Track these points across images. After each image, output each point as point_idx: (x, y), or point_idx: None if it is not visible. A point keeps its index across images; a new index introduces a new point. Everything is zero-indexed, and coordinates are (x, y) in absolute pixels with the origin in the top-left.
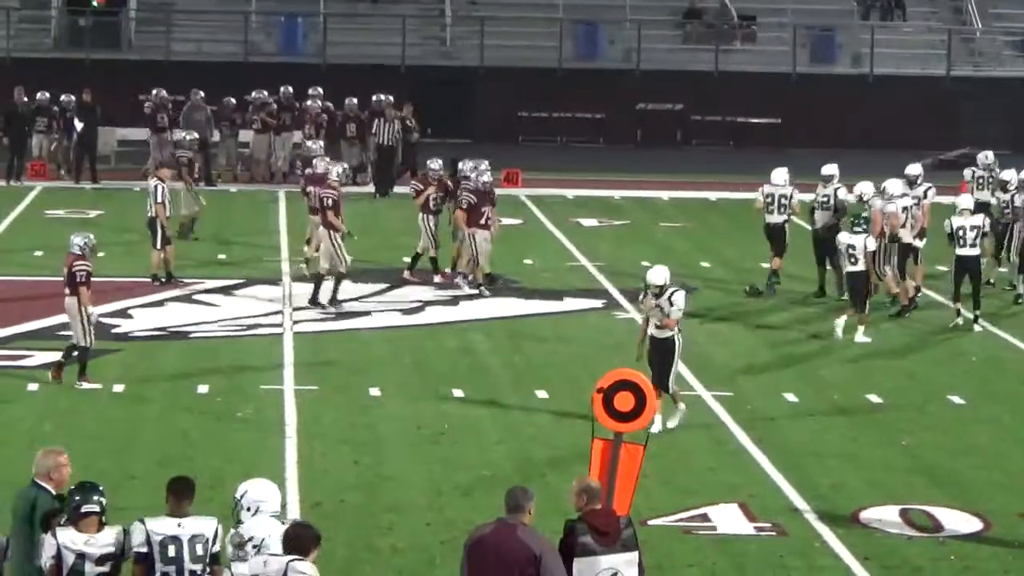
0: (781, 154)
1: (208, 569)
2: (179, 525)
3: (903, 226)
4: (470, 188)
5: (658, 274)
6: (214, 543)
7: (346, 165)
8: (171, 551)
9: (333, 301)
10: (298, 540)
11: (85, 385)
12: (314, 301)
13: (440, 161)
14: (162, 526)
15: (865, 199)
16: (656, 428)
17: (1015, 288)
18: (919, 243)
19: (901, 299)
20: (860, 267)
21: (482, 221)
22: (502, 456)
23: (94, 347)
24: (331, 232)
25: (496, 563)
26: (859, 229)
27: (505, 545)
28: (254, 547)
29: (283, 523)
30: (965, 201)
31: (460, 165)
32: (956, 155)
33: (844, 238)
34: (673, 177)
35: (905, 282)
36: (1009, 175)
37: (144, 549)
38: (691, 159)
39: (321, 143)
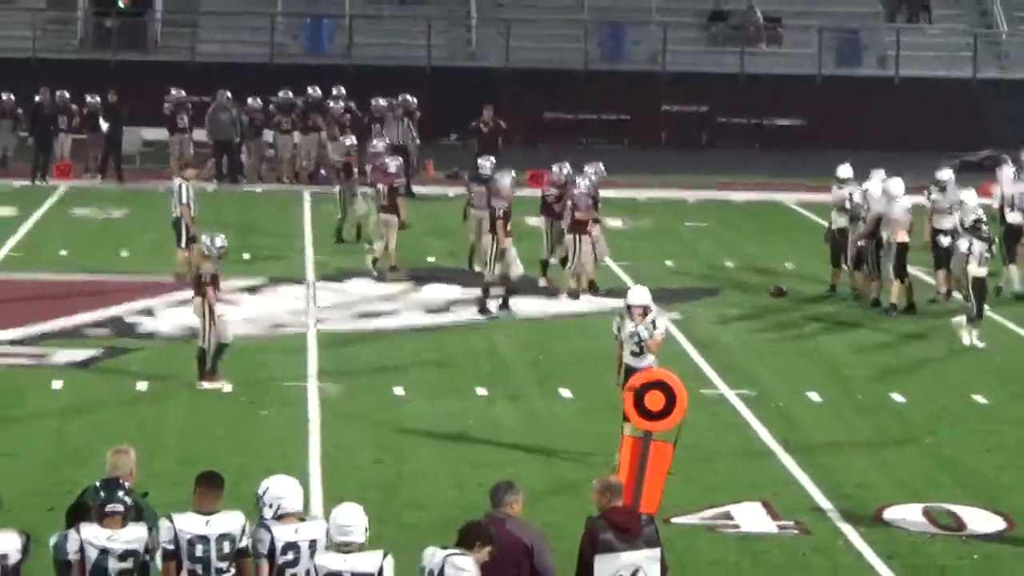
0: (806, 156)
1: (235, 564)
2: (207, 523)
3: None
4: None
5: (640, 295)
6: (241, 539)
7: (513, 173)
8: (199, 550)
9: (503, 306)
10: (466, 534)
11: (206, 385)
12: (483, 310)
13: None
14: (190, 524)
15: (873, 197)
16: None
17: None
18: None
19: (893, 299)
20: (984, 271)
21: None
22: (525, 455)
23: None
24: (493, 240)
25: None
26: (981, 235)
27: (497, 538)
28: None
29: (303, 520)
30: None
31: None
32: (981, 157)
33: (977, 246)
34: (697, 178)
35: (901, 282)
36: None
37: (172, 547)
38: (716, 160)
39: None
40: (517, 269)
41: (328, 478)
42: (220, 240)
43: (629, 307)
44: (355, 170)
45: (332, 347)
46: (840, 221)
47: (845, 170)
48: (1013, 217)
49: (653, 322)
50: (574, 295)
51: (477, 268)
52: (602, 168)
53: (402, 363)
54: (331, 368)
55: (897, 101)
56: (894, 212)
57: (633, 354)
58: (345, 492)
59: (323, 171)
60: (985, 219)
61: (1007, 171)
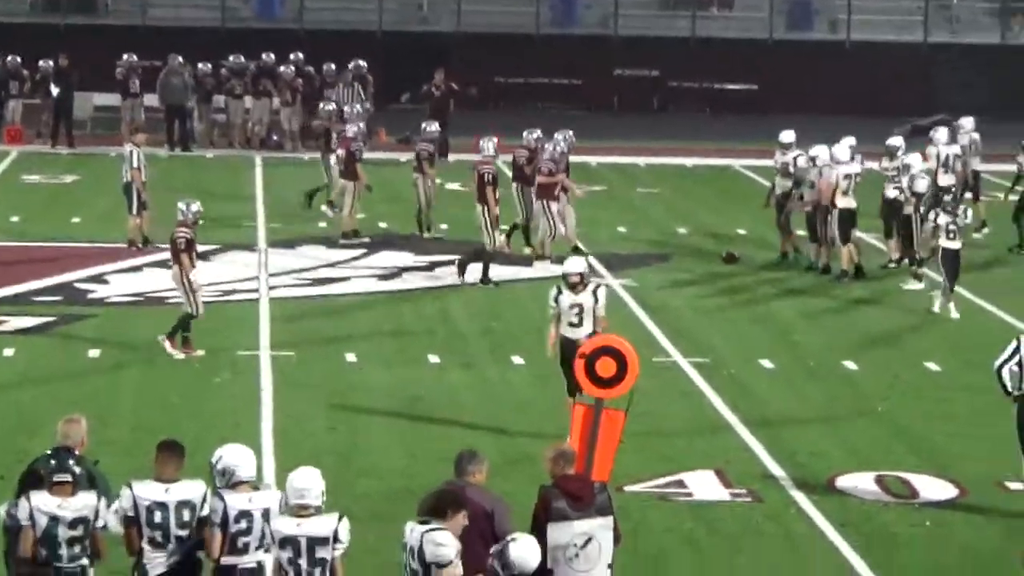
0: (758, 120)
1: (194, 533)
2: (166, 491)
3: (845, 193)
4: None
5: (576, 263)
6: (202, 507)
7: (495, 139)
8: (157, 517)
9: (483, 279)
10: (436, 504)
11: (168, 348)
12: (485, 279)
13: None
14: (149, 491)
15: (819, 164)
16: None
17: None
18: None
19: (844, 264)
20: (958, 244)
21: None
22: (478, 422)
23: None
24: (485, 208)
25: None
26: (952, 207)
27: None
28: None
29: (257, 488)
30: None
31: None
32: (932, 121)
33: (942, 219)
34: (650, 143)
35: (847, 247)
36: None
37: (132, 513)
38: (667, 125)
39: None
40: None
41: (281, 446)
42: (196, 206)
43: (566, 276)
44: (334, 136)
45: (284, 314)
46: (784, 185)
47: (788, 135)
48: (945, 179)
49: (595, 292)
50: (543, 259)
51: (426, 235)
52: (571, 135)
53: (354, 330)
54: (283, 336)
55: (848, 66)
56: (831, 177)
57: (571, 325)
58: (298, 460)
59: (275, 136)
60: (954, 190)
61: (942, 133)
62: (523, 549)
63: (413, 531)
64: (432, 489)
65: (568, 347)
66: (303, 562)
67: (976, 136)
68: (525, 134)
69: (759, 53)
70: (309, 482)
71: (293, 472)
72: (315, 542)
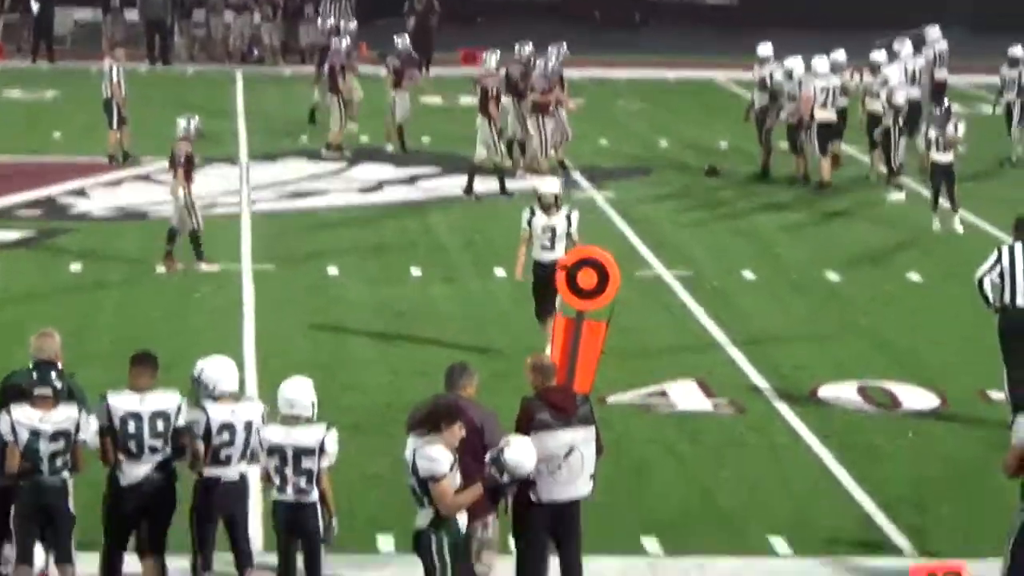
0: (740, 34)
1: (169, 443)
2: (140, 401)
3: (823, 106)
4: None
5: (551, 184)
6: (177, 417)
7: (497, 53)
8: (131, 427)
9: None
10: (429, 416)
11: (204, 267)
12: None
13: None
14: (123, 402)
15: (796, 77)
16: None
17: None
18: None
19: (823, 176)
20: (948, 157)
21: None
22: (461, 335)
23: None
24: (488, 121)
25: None
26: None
27: None
28: None
29: (239, 400)
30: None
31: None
32: (914, 34)
33: (932, 132)
34: (631, 57)
35: (825, 159)
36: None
37: (106, 423)
38: (649, 39)
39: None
40: (480, 152)
41: (263, 359)
42: (196, 121)
43: (540, 197)
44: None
45: (265, 228)
46: (763, 100)
47: (765, 48)
48: (912, 92)
49: (568, 216)
50: (536, 172)
51: (389, 147)
52: (565, 48)
53: (336, 244)
54: (264, 250)
55: None
56: (808, 90)
57: (544, 248)
58: (280, 374)
59: (256, 51)
60: (948, 104)
61: (906, 45)
62: (518, 452)
63: (408, 446)
64: (421, 402)
65: (539, 270)
66: (289, 471)
67: (943, 46)
68: (517, 47)
69: None
70: (300, 392)
71: (285, 381)
72: (302, 451)
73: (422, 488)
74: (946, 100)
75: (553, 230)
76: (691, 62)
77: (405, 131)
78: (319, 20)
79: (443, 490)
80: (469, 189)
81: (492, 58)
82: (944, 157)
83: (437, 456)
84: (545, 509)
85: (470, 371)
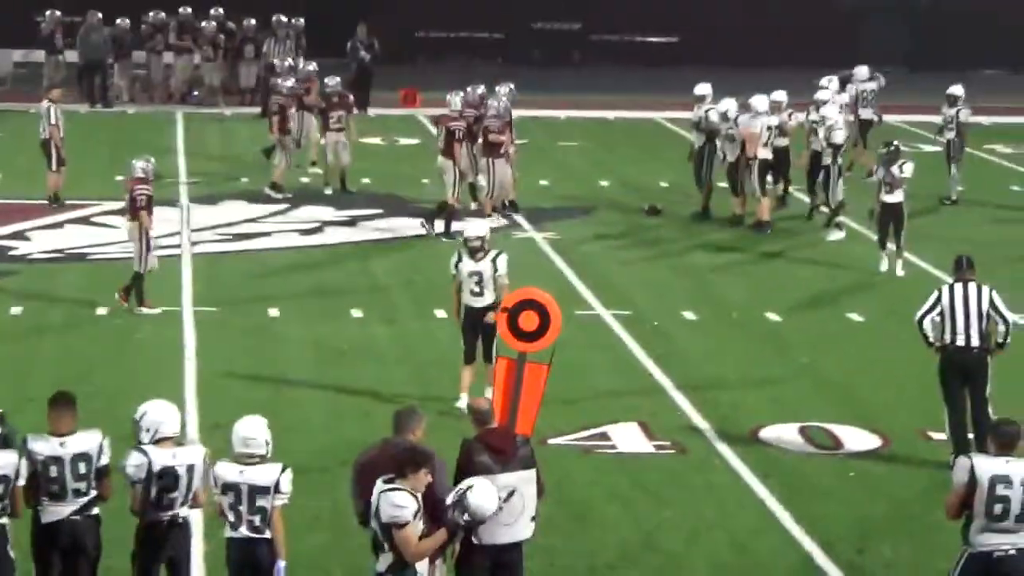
0: (680, 73)
1: (94, 484)
2: (61, 444)
3: (765, 145)
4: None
5: (477, 227)
6: (99, 458)
7: (461, 94)
8: (52, 471)
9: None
10: (401, 460)
11: (145, 311)
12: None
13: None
14: (43, 446)
15: (731, 117)
16: (462, 403)
17: None
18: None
19: (760, 215)
20: (896, 198)
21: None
22: (401, 376)
23: None
24: (452, 163)
25: None
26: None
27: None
28: None
29: (181, 444)
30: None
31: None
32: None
33: (879, 173)
34: (571, 96)
35: (766, 199)
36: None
37: (29, 469)
38: (589, 78)
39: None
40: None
41: (204, 402)
42: (152, 162)
43: (465, 240)
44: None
45: (206, 270)
46: (700, 139)
47: (703, 88)
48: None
49: (495, 261)
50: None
51: (328, 190)
52: (513, 88)
53: (277, 285)
54: (205, 291)
55: (771, 17)
56: (754, 128)
57: (473, 294)
58: (222, 416)
59: (196, 92)
60: (896, 144)
61: (833, 83)
62: (481, 495)
63: (376, 489)
64: (369, 446)
65: (469, 316)
66: (243, 508)
67: (870, 86)
68: (469, 89)
69: (680, 5)
70: (255, 431)
71: (239, 420)
72: (256, 490)
73: (384, 533)
74: (895, 141)
75: (480, 275)
76: (632, 101)
77: (347, 173)
78: (264, 60)
79: (406, 537)
80: (447, 231)
81: (456, 99)
82: (892, 198)
83: (401, 503)
84: (486, 551)
85: (419, 415)
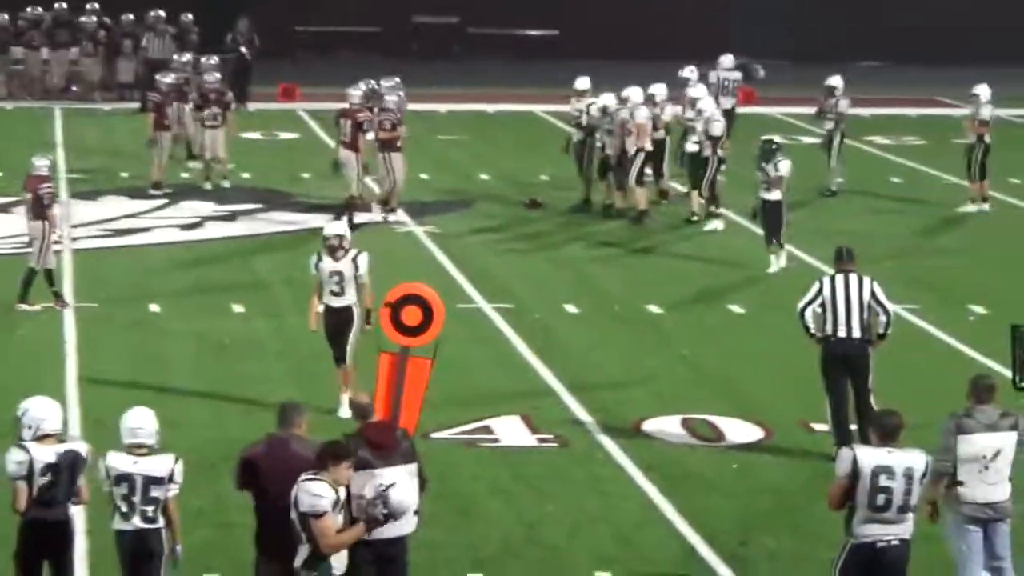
0: (559, 66)
1: None
2: None
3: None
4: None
5: (336, 226)
6: None
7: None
8: None
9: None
10: (322, 453)
11: (26, 307)
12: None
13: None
14: None
15: (610, 111)
16: (344, 413)
17: None
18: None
19: (640, 205)
20: (775, 196)
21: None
22: (283, 371)
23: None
24: (357, 156)
25: (274, 477)
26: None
27: (280, 458)
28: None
29: (63, 441)
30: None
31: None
32: (735, 65)
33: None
34: (450, 90)
35: (640, 189)
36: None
37: None
38: (468, 72)
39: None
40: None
41: (86, 398)
42: (50, 160)
43: (325, 239)
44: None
45: (87, 265)
46: (579, 133)
47: (583, 82)
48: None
49: (355, 260)
50: (390, 210)
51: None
52: (399, 82)
53: (158, 281)
54: (86, 287)
55: (648, 9)
56: (637, 119)
57: (333, 294)
58: (103, 412)
59: (74, 87)
60: (776, 141)
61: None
62: (402, 492)
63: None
64: (253, 442)
65: (331, 316)
66: (137, 499)
67: (734, 75)
68: (360, 85)
69: None
70: (142, 421)
71: (127, 412)
72: (151, 481)
73: (303, 524)
74: (776, 138)
75: (340, 275)
76: (511, 95)
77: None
78: (141, 55)
79: (323, 527)
80: (351, 223)
81: (357, 92)
82: (771, 195)
83: (320, 492)
84: (371, 546)
85: (301, 408)
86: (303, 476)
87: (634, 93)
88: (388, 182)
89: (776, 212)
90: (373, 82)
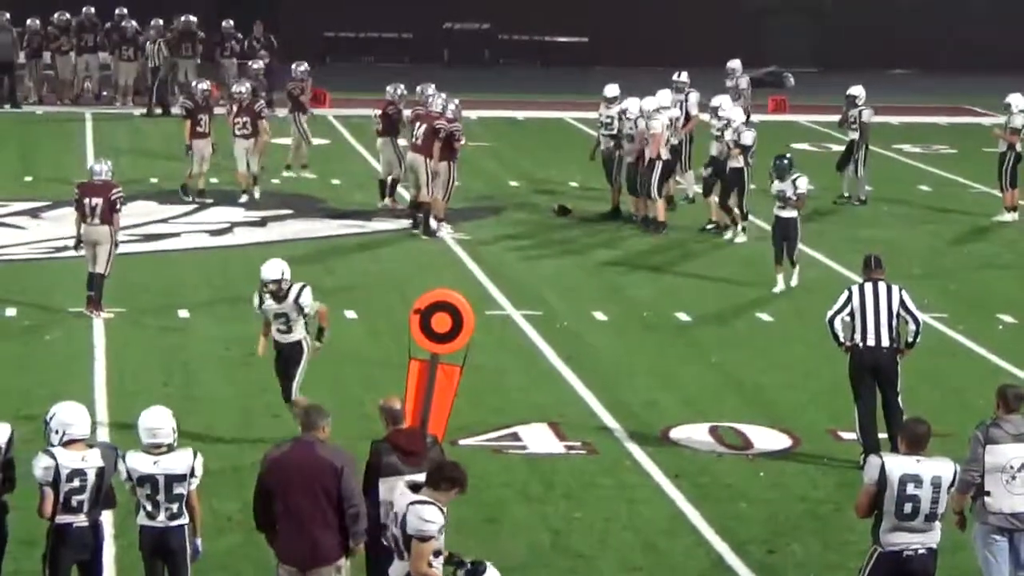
0: (588, 73)
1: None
2: None
3: (665, 145)
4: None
5: (273, 269)
6: (8, 449)
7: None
8: None
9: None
10: (434, 474)
11: (103, 315)
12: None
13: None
14: None
15: (631, 117)
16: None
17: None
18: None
19: (660, 217)
20: (790, 213)
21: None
22: (312, 376)
23: None
24: (426, 160)
25: (298, 480)
26: (789, 175)
27: (306, 461)
28: None
29: (91, 446)
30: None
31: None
32: (764, 73)
33: (775, 185)
34: (481, 96)
35: (662, 200)
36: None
37: None
38: (498, 78)
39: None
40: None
41: (114, 403)
42: (110, 164)
43: (264, 284)
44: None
45: (116, 271)
46: (608, 140)
47: (612, 89)
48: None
49: (297, 300)
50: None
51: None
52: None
53: (186, 286)
54: (115, 292)
55: (681, 16)
56: (657, 128)
57: (280, 331)
58: (132, 417)
59: (105, 92)
60: (789, 157)
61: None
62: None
63: (403, 495)
64: (278, 443)
65: (279, 351)
66: (161, 498)
67: (744, 81)
68: (391, 88)
69: (589, 5)
70: (160, 421)
71: (144, 412)
72: (173, 479)
73: (405, 543)
74: (788, 154)
75: (286, 315)
76: (540, 102)
77: (257, 178)
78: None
79: (424, 551)
80: (424, 227)
81: (439, 99)
82: (785, 213)
83: (431, 517)
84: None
85: (325, 412)
86: (415, 498)
87: (647, 101)
88: (448, 189)
89: (792, 230)
90: (402, 86)
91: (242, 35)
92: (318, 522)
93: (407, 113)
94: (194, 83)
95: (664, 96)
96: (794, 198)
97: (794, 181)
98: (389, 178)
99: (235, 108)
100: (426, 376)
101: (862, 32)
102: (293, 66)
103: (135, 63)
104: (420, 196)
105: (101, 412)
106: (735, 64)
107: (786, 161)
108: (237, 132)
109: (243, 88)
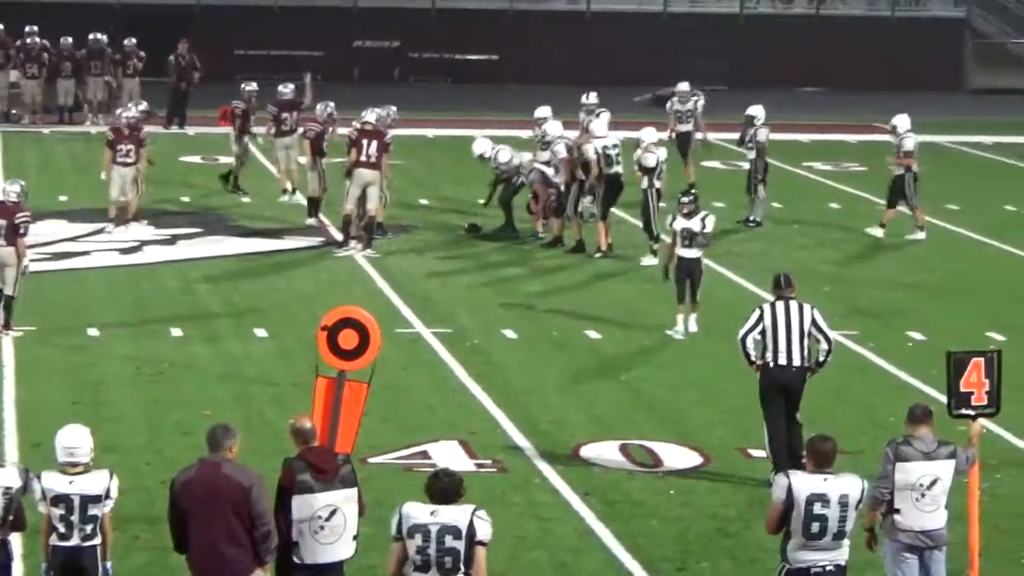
0: (499, 91)
1: None
2: None
3: (609, 166)
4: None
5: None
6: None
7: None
8: None
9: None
10: (448, 492)
11: (12, 334)
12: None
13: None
14: None
15: (549, 137)
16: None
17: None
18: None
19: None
20: (694, 253)
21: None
22: (222, 395)
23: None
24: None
25: (207, 502)
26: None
27: (213, 482)
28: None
29: (1, 466)
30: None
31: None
32: (671, 91)
33: (678, 223)
34: None
35: (603, 223)
36: None
37: None
38: (409, 96)
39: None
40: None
41: (24, 422)
42: (24, 184)
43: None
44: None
45: (25, 289)
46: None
47: (543, 110)
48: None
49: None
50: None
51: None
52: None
53: (97, 305)
54: (24, 311)
55: (589, 35)
56: (559, 152)
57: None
58: (41, 436)
59: (14, 111)
60: (693, 194)
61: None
62: None
63: (438, 513)
64: (185, 467)
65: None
66: (75, 518)
67: (688, 104)
68: (320, 107)
69: (499, 23)
70: (78, 439)
71: (61, 430)
72: (88, 500)
73: (469, 553)
74: (692, 191)
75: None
76: (451, 120)
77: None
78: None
79: (485, 556)
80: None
81: (379, 113)
82: (689, 252)
83: (489, 519)
84: (307, 571)
85: (232, 431)
86: (475, 507)
87: (552, 127)
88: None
89: (697, 269)
90: (331, 104)
91: (145, 53)
92: (228, 541)
93: (344, 132)
94: (130, 106)
95: (649, 133)
96: (702, 239)
97: (703, 219)
98: (315, 196)
99: (119, 134)
100: (333, 393)
101: (771, 51)
102: (319, 106)
103: (39, 80)
104: (375, 211)
105: (10, 431)
106: (684, 86)
107: (691, 198)
108: (118, 159)
109: (132, 112)
